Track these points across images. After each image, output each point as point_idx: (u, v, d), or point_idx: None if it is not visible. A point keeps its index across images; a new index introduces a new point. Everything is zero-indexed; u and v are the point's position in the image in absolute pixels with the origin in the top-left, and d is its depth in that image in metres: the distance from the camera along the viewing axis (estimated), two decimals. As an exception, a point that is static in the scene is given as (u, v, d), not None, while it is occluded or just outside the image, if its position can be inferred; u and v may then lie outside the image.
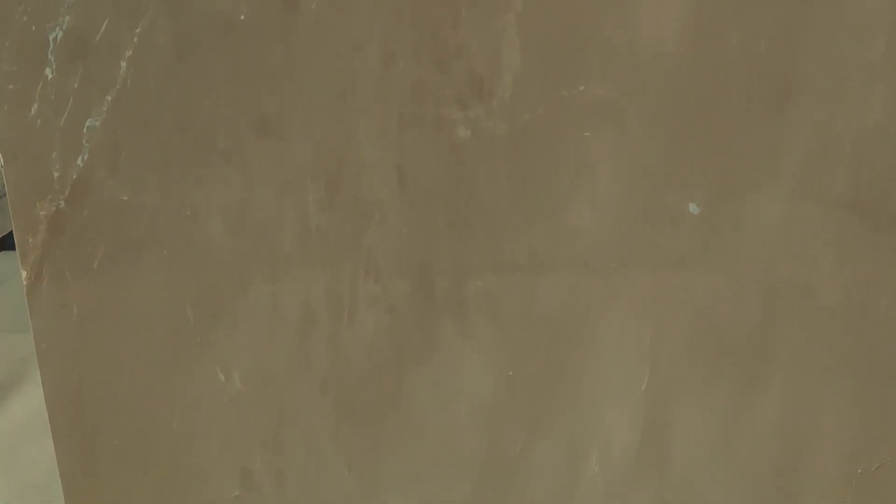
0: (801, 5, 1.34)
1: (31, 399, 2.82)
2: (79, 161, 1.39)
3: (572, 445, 1.53)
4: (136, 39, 1.34)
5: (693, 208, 1.41)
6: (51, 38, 1.34)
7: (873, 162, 1.40)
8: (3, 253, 3.96)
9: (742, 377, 1.50)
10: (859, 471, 1.56)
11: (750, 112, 1.38)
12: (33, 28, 1.33)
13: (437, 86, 1.36)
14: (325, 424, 1.53)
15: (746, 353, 1.49)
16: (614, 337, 1.48)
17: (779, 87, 1.37)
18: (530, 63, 1.35)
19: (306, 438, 1.53)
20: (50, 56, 1.35)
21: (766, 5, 1.34)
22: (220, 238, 1.43)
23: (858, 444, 1.54)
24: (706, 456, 1.53)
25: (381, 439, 1.54)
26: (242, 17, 1.34)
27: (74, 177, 1.40)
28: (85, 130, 1.38)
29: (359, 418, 1.53)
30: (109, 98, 1.37)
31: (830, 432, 1.55)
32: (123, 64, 1.35)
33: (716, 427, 1.52)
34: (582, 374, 1.50)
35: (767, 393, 1.51)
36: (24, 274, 1.43)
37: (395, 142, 1.39)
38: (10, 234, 1.49)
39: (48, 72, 1.35)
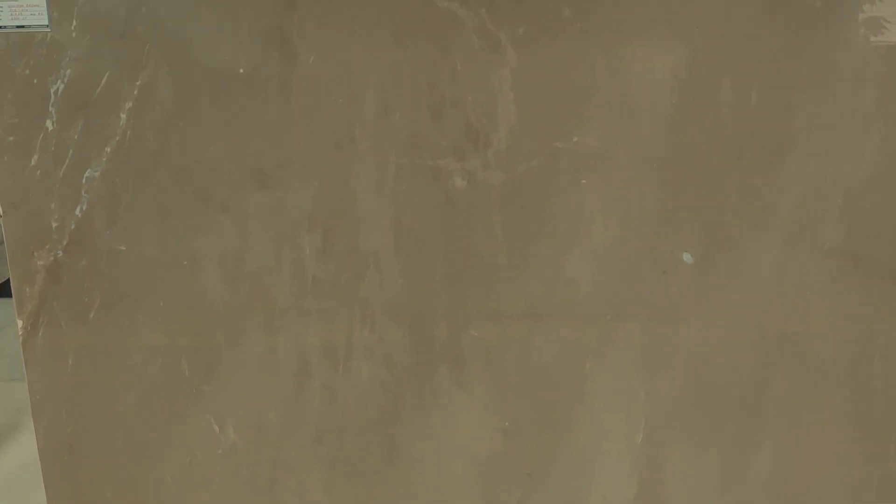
0: (791, 59, 1.36)
1: (26, 449, 2.79)
2: (77, 211, 1.40)
3: (568, 498, 1.51)
4: (136, 92, 1.36)
5: (687, 258, 1.41)
6: (52, 90, 1.36)
7: (865, 213, 1.41)
8: (1, 300, 3.96)
9: (737, 431, 1.49)
10: (860, 525, 1.54)
11: (743, 163, 1.39)
12: (35, 81, 1.35)
13: (433, 137, 1.37)
14: (319, 477, 1.51)
15: (741, 407, 1.48)
16: (609, 390, 1.47)
17: (771, 139, 1.39)
18: (525, 115, 1.36)
19: (300, 491, 1.52)
20: (51, 108, 1.37)
21: (757, 59, 1.36)
22: (216, 288, 1.43)
23: (855, 501, 1.52)
24: (704, 509, 1.51)
25: (375, 493, 1.52)
26: (241, 71, 1.36)
27: (73, 227, 1.41)
28: (84, 181, 1.40)
29: (353, 471, 1.51)
30: (109, 149, 1.39)
31: (826, 487, 1.53)
32: (123, 116, 1.37)
33: (711, 481, 1.50)
34: (577, 427, 1.48)
35: (762, 447, 1.50)
36: (19, 323, 1.43)
37: (391, 192, 1.40)
38: (8, 280, 1.49)
39: (49, 124, 1.37)
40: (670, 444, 1.48)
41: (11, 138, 1.37)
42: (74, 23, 1.34)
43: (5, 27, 1.34)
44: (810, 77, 1.38)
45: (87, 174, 1.39)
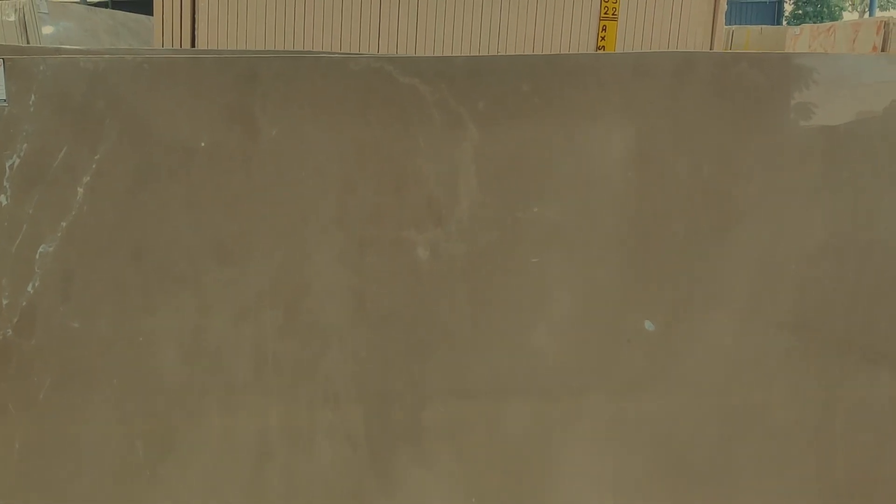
0: (739, 136, 1.41)
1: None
2: (30, 288, 1.37)
3: (539, 577, 1.47)
4: (94, 166, 1.35)
5: (649, 325, 1.43)
6: (7, 165, 1.34)
7: (817, 283, 1.45)
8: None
9: (706, 499, 1.48)
10: None
11: (698, 234, 1.42)
12: (-10, 155, 1.33)
13: (396, 210, 1.38)
14: None
15: (708, 477, 1.48)
16: (577, 463, 1.46)
17: (723, 211, 1.43)
18: (486, 187, 1.38)
19: (260, 579, 1.45)
20: (6, 183, 1.34)
21: (707, 133, 1.41)
22: (173, 366, 1.40)
23: (826, 568, 1.51)
24: (676, 583, 1.48)
25: (338, 578, 1.46)
26: (203, 145, 1.36)
27: (24, 304, 1.37)
28: (38, 257, 1.36)
29: None
30: (65, 224, 1.36)
31: (797, 557, 1.52)
32: (81, 190, 1.35)
33: None
34: (545, 501, 1.46)
35: None
36: (-36, 406, 1.36)
37: (354, 265, 1.39)
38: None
39: (2, 199, 1.34)
40: None
41: (-37, 213, 1.33)
42: (32, 97, 1.33)
43: (-39, 101, 1.33)
44: (758, 153, 1.43)
45: (40, 249, 1.36)
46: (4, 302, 1.36)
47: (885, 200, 1.46)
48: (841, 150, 1.45)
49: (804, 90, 1.44)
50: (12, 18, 3.51)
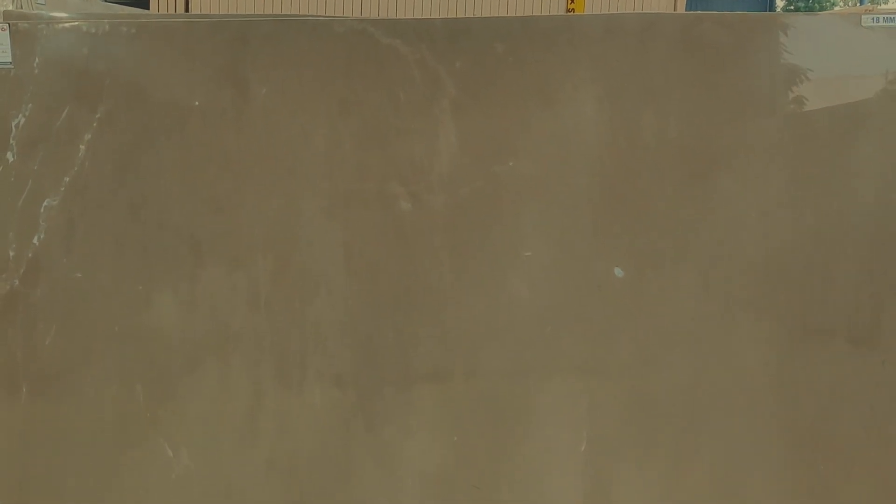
0: (706, 90, 1.50)
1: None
2: (35, 240, 1.44)
3: (517, 510, 1.55)
4: (95, 125, 1.43)
5: (618, 272, 1.51)
6: (13, 124, 1.42)
7: (779, 233, 1.53)
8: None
9: (675, 438, 1.55)
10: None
11: (666, 186, 1.50)
12: (-3, 114, 1.41)
13: (380, 164, 1.46)
14: (273, 500, 1.52)
15: (678, 415, 1.55)
16: (553, 402, 1.53)
17: (688, 166, 1.51)
18: (465, 143, 1.47)
19: (254, 516, 1.53)
20: (12, 141, 1.42)
21: (673, 90, 1.50)
22: (170, 313, 1.47)
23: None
24: (646, 514, 1.56)
25: (329, 514, 1.54)
26: (196, 104, 1.44)
27: (30, 256, 1.44)
28: (42, 210, 1.44)
29: (308, 493, 1.53)
30: (68, 179, 1.44)
31: (763, 493, 1.59)
32: (82, 147, 1.43)
33: (653, 487, 1.56)
34: (524, 440, 1.53)
35: (700, 456, 1.56)
36: (-26, 351, 1.44)
37: (341, 217, 1.47)
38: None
39: (9, 156, 1.42)
40: (614, 453, 1.54)
41: (-28, 169, 1.41)
42: (37, 60, 1.42)
43: (-31, 64, 1.41)
44: (723, 109, 1.51)
45: (45, 203, 1.44)
46: (11, 254, 1.43)
47: (848, 153, 1.53)
48: (805, 104, 1.52)
49: (768, 48, 1.52)
50: (10, 8, 3.60)
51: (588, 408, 1.54)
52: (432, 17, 1.91)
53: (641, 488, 1.56)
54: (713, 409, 1.56)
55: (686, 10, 6.17)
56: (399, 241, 1.49)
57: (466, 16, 2.06)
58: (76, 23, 1.43)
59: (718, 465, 1.57)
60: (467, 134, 1.47)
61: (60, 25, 1.43)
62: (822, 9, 19.41)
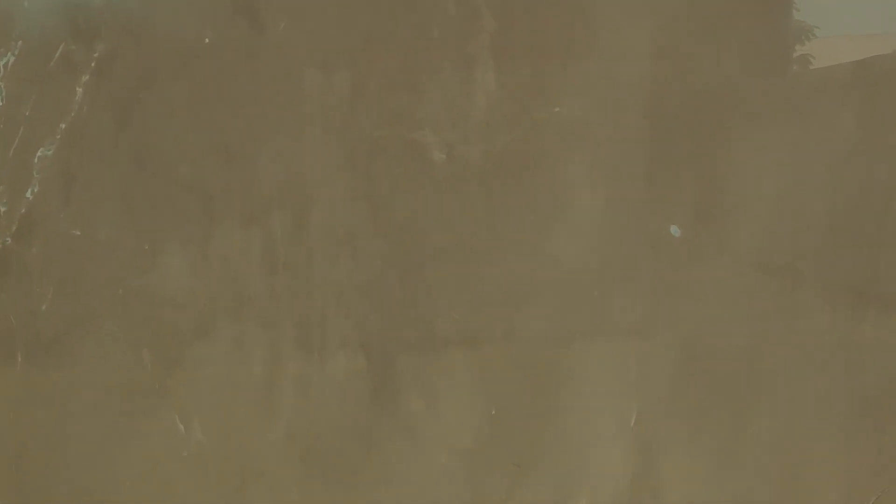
0: (768, 24, 1.35)
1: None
2: (28, 194, 1.31)
3: (560, 488, 1.43)
4: (93, 64, 1.29)
5: (675, 231, 1.38)
6: (2, 64, 1.28)
7: (847, 184, 1.40)
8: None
9: (733, 409, 1.44)
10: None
11: (724, 131, 1.37)
12: (-17, 52, 1.28)
13: (409, 109, 1.33)
14: (292, 476, 1.41)
15: (736, 384, 1.44)
16: (599, 371, 1.41)
17: (749, 107, 1.37)
18: (505, 84, 1.33)
19: (272, 493, 1.41)
20: (0, 83, 1.28)
21: (732, 24, 1.35)
22: (180, 274, 1.35)
23: (854, 477, 1.47)
24: (700, 492, 1.44)
25: (353, 492, 1.42)
26: (207, 41, 1.30)
27: (23, 211, 1.32)
28: (36, 161, 1.31)
29: (329, 469, 1.42)
30: (64, 126, 1.31)
31: (824, 464, 1.48)
32: (80, 90, 1.30)
33: (708, 461, 1.45)
34: (567, 412, 1.42)
35: (759, 425, 1.45)
36: (-36, 315, 1.33)
37: (366, 168, 1.34)
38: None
39: None
40: (666, 425, 1.43)
41: (-44, 114, 1.28)
42: (26, -9, 1.27)
43: (-49, -5, 1.27)
44: (787, 46, 1.37)
45: (39, 153, 1.31)
46: (2, 209, 1.31)
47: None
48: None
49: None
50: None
51: (638, 378, 1.42)
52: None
53: (696, 465, 1.44)
54: (773, 379, 1.44)
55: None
56: (431, 195, 1.36)
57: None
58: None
59: (778, 439, 1.45)
60: (508, 75, 1.33)
61: (52, -48, 1.28)
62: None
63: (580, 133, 1.35)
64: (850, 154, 1.40)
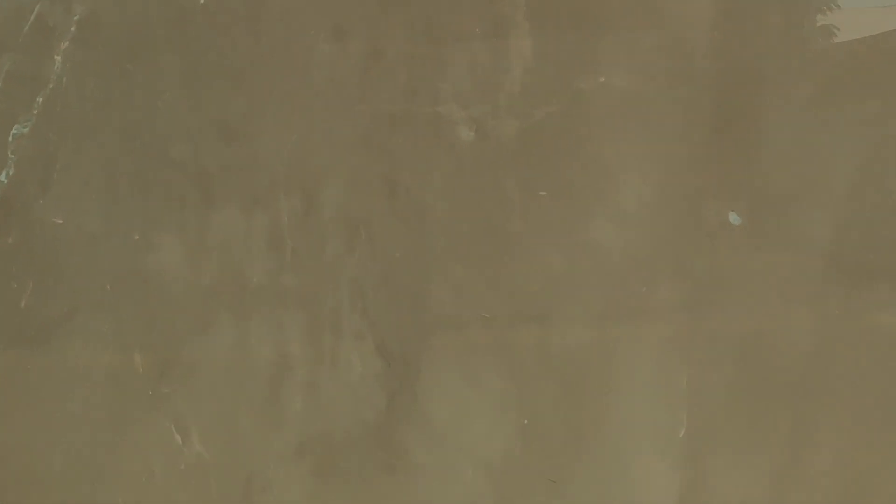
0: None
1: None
2: (3, 176, 1.21)
3: (601, 508, 1.31)
4: (73, 28, 1.19)
5: (734, 219, 1.24)
6: (-31, 28, 1.17)
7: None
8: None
9: (794, 419, 1.30)
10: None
11: (794, 104, 1.23)
12: (-54, 14, 1.17)
13: (432, 79, 1.20)
14: (302, 493, 1.30)
15: (798, 394, 1.30)
16: (645, 377, 1.29)
17: (824, 77, 1.23)
18: (542, 50, 1.20)
19: (280, 511, 1.30)
20: (-33, 50, 1.17)
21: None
22: (175, 266, 1.24)
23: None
24: (760, 515, 1.32)
25: (370, 509, 1.31)
26: (202, 2, 1.19)
27: None
28: (11, 139, 1.21)
29: (344, 485, 1.30)
30: (41, 99, 1.20)
31: (892, 482, 1.35)
32: (58, 58, 1.19)
33: (765, 478, 1.31)
34: (609, 423, 1.29)
35: (823, 437, 1.31)
36: (-69, 314, 1.23)
37: (383, 146, 1.22)
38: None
39: None
40: (718, 439, 1.30)
41: (-81, 87, 1.19)
42: (-4, -55, 1.15)
43: None
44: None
45: (13, 131, 1.21)
46: None
47: None
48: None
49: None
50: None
51: (689, 384, 1.28)
52: None
53: (751, 482, 1.31)
54: (841, 386, 1.30)
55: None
56: (456, 176, 1.23)
57: None
58: None
59: (845, 453, 1.31)
60: (546, 40, 1.19)
61: None
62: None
63: (629, 107, 1.22)
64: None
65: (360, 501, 1.31)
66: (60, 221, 1.22)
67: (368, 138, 1.21)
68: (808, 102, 1.23)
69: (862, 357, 1.29)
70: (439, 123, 1.21)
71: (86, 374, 1.25)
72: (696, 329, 1.28)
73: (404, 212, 1.24)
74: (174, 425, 1.27)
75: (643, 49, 1.21)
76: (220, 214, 1.23)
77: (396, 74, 1.20)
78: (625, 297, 1.26)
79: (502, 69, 1.20)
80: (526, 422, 1.28)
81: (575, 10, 1.19)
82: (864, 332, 1.29)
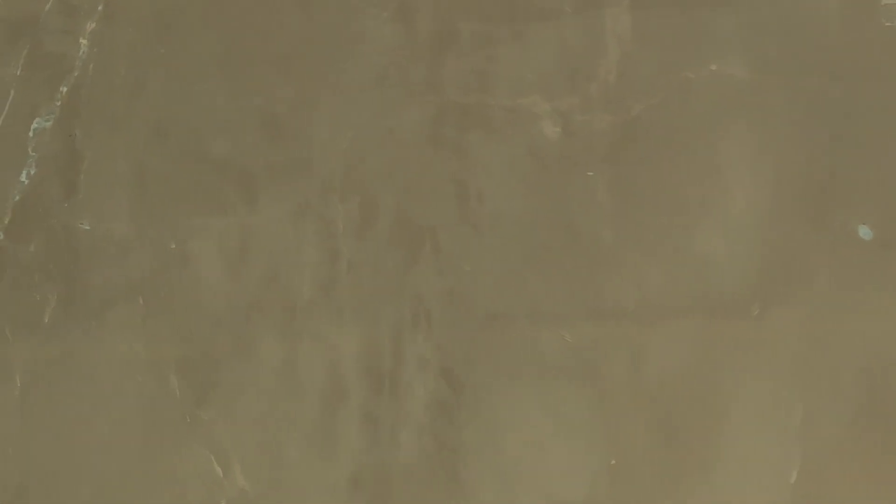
0: None
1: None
2: (23, 177, 1.12)
3: (699, 561, 1.18)
4: (100, 7, 1.09)
5: (864, 232, 1.07)
6: (-17, 7, 1.08)
7: None
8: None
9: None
10: None
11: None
12: (-43, -8, 1.09)
13: (512, 65, 1.06)
14: None
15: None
16: (754, 409, 1.14)
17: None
18: (644, 31, 1.05)
19: (332, 553, 1.20)
20: (-18, 32, 1.09)
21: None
22: (215, 279, 1.13)
23: None
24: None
25: (433, 553, 1.19)
26: (245, -25, 1.04)
27: (17, 198, 1.12)
28: (31, 134, 1.11)
29: None
30: (65, 89, 1.11)
31: None
32: (84, 42, 1.10)
33: None
34: (710, 463, 1.15)
35: None
36: (-55, 332, 1.16)
37: (453, 144, 1.09)
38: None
39: None
40: (837, 483, 1.15)
41: (-73, 75, 1.10)
42: (12, -88, 1.04)
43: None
44: None
45: (34, 125, 1.12)
46: None
47: None
48: None
49: None
50: None
51: (804, 421, 1.14)
52: None
53: None
54: None
55: None
56: (538, 179, 1.10)
57: None
58: None
59: None
60: (649, 18, 1.05)
61: None
62: None
63: (743, 99, 1.08)
64: None
65: (422, 543, 1.19)
66: (87, 227, 1.13)
67: (436, 134, 1.09)
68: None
69: None
70: (519, 118, 1.08)
71: (116, 398, 1.17)
72: (815, 357, 1.14)
73: (476, 219, 1.12)
74: (214, 456, 1.17)
75: (763, 30, 1.06)
76: (266, 220, 1.12)
77: (470, 59, 1.07)
78: (732, 319, 1.12)
79: (595, 53, 1.06)
80: (613, 461, 1.14)
81: (683, -16, 1.03)
82: None
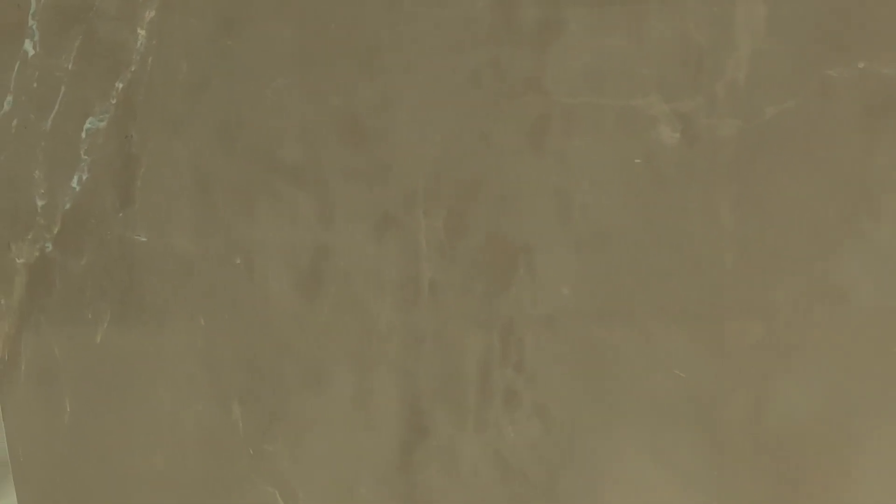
0: None
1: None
2: (75, 182, 1.00)
3: None
4: None
5: None
6: (34, -6, 0.94)
7: None
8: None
9: None
10: None
11: None
12: (4, -23, 0.96)
13: (625, 61, 0.90)
14: None
15: None
16: (891, 468, 0.98)
17: None
18: (781, 22, 0.88)
19: None
20: (31, 21, 0.98)
21: None
22: (283, 299, 1.00)
23: None
24: None
25: None
26: (324, -42, 0.90)
27: (68, 206, 1.01)
28: (84, 135, 0.99)
29: None
30: (120, 85, 0.98)
31: None
32: (142, 32, 0.96)
33: None
34: None
35: None
36: (-11, 352, 1.05)
37: (556, 150, 0.94)
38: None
39: (28, 46, 0.98)
40: None
41: (-30, 68, 0.97)
42: None
43: None
44: None
45: (87, 125, 0.99)
46: (40, 203, 1.02)
47: None
48: None
49: None
50: None
51: None
52: None
53: None
54: None
55: None
56: (652, 191, 0.94)
57: None
58: None
59: None
60: (787, 7, 0.88)
61: None
62: None
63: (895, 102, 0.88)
64: None
65: None
66: (144, 239, 1.01)
67: (536, 140, 0.94)
68: None
69: None
70: (633, 121, 0.92)
71: (174, 427, 1.05)
72: (973, 401, 0.96)
73: (578, 236, 0.96)
74: (279, 492, 1.06)
75: (923, 22, 0.88)
76: (341, 235, 0.98)
77: (578, 53, 0.91)
78: (873, 360, 0.95)
79: (723, 47, 0.89)
80: (731, 514, 0.99)
81: (829, -32, 0.87)
82: None
